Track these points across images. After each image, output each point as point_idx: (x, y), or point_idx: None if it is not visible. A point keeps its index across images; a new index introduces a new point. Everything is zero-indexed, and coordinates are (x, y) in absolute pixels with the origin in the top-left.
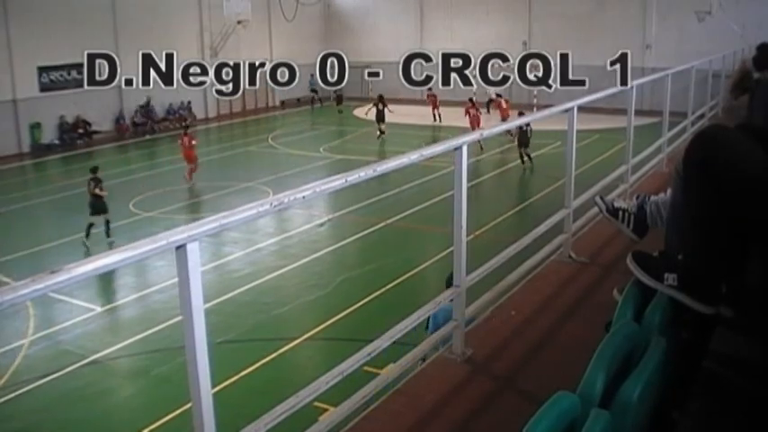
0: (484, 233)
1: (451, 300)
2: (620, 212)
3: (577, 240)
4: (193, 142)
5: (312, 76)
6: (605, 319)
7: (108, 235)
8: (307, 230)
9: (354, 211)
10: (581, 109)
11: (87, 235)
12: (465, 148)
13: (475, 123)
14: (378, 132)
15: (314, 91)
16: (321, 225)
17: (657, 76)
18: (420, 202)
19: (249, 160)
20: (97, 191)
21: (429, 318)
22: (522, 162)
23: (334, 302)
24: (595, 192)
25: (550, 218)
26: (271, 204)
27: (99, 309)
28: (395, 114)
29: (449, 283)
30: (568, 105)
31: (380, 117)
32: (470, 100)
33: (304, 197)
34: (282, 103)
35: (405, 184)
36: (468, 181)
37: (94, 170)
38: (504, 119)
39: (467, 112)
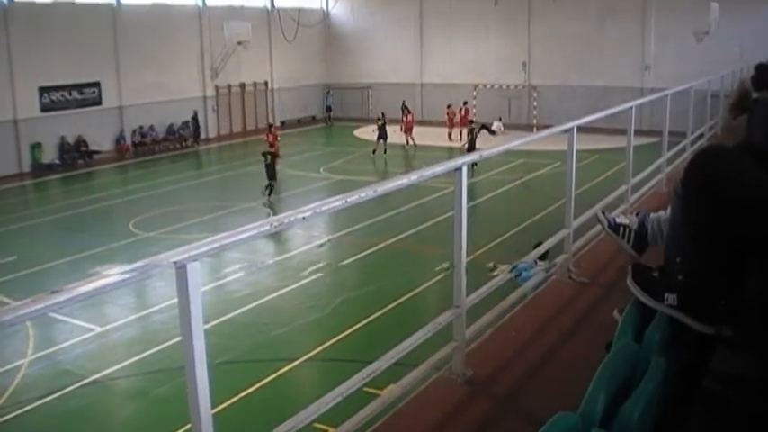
0: (484, 254)
1: (452, 320)
2: (622, 228)
3: (578, 260)
4: (279, 139)
5: (329, 93)
6: (606, 338)
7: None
8: (307, 251)
9: (354, 232)
10: (581, 129)
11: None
12: (465, 169)
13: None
14: (379, 151)
15: (329, 109)
16: (321, 246)
17: (656, 97)
18: (420, 223)
19: (249, 180)
20: None
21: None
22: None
23: (334, 323)
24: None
25: (551, 238)
26: (271, 225)
27: (99, 329)
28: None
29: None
30: (568, 126)
31: (382, 134)
32: (449, 106)
33: (304, 217)
34: (283, 123)
35: (405, 204)
36: (468, 201)
37: None
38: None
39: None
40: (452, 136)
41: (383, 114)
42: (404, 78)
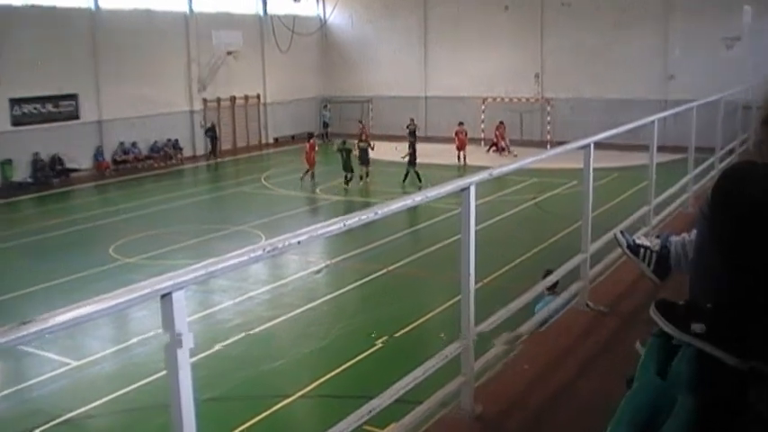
0: (493, 280)
1: (459, 352)
2: (642, 250)
3: (595, 288)
4: (315, 149)
5: (326, 107)
6: (627, 373)
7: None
8: (302, 278)
9: (353, 257)
10: (598, 145)
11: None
12: (473, 189)
13: (460, 145)
14: (354, 176)
15: (326, 125)
16: (318, 272)
17: (682, 109)
18: (425, 247)
19: (240, 202)
20: None
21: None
22: (419, 180)
23: (332, 356)
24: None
25: (566, 264)
26: (264, 250)
27: (74, 363)
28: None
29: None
30: (585, 142)
31: (364, 158)
32: (461, 123)
33: (299, 242)
34: (276, 140)
35: (409, 227)
36: (476, 224)
37: None
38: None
39: (456, 135)
40: (464, 159)
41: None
42: (407, 91)
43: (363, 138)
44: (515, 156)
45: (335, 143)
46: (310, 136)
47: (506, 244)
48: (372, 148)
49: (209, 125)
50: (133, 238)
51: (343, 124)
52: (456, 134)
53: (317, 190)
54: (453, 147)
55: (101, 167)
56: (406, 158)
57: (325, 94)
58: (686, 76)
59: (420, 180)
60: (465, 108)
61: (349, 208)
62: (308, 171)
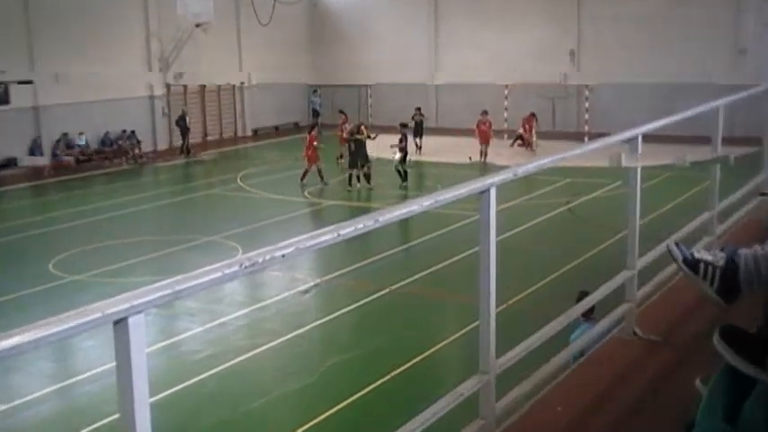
0: (519, 302)
1: (479, 387)
2: (702, 266)
3: (644, 312)
4: (315, 143)
5: (316, 92)
6: (685, 417)
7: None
8: (287, 299)
9: (350, 274)
10: (648, 138)
11: None
12: (494, 192)
13: (483, 139)
14: (354, 178)
15: (316, 114)
16: (306, 292)
17: (755, 92)
18: (436, 262)
19: (212, 207)
20: None
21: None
22: (367, 181)
23: (322, 395)
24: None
25: (608, 282)
26: (241, 265)
27: (1, 406)
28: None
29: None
30: (631, 133)
31: (360, 157)
32: (485, 112)
33: (284, 255)
34: (255, 132)
35: (416, 238)
36: (498, 233)
37: None
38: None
39: (478, 126)
40: (485, 156)
41: (359, 126)
42: (413, 76)
43: (360, 129)
44: (534, 150)
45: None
46: (312, 127)
47: (534, 258)
48: (373, 138)
49: (179, 114)
50: (79, 251)
51: (337, 114)
52: (478, 125)
53: (306, 192)
54: (473, 140)
55: (41, 165)
56: (396, 153)
57: (314, 77)
58: (760, 54)
59: (405, 179)
60: (484, 94)
61: (345, 214)
62: (306, 172)
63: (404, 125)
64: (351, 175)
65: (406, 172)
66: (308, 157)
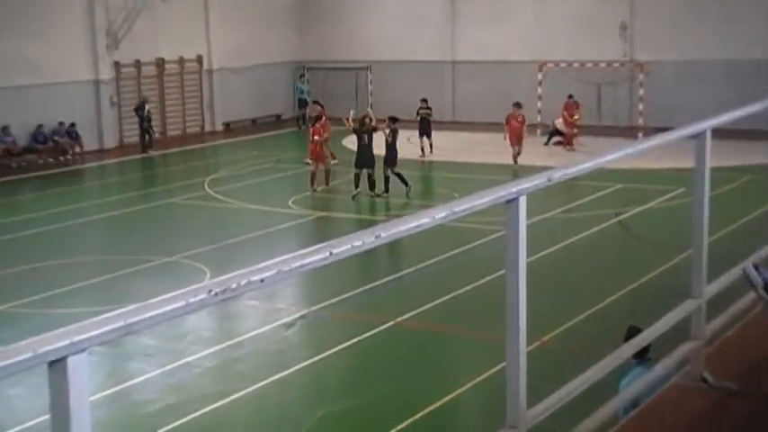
0: (555, 339)
1: None
2: None
3: (715, 352)
4: (316, 137)
5: (302, 77)
6: None
7: None
8: (266, 335)
9: (344, 303)
10: (719, 133)
11: None
12: (524, 201)
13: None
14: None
15: (303, 103)
16: (290, 326)
17: None
18: (451, 288)
19: (173, 219)
20: None
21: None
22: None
23: None
24: (743, 268)
25: (668, 314)
26: (209, 292)
27: None
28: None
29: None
30: (697, 127)
31: (369, 155)
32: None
33: (262, 280)
34: (227, 126)
35: (428, 258)
36: (530, 253)
37: None
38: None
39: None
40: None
41: (363, 118)
42: (425, 53)
43: (365, 121)
44: (575, 148)
45: (350, 118)
46: (317, 119)
47: (575, 284)
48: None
49: (137, 102)
50: (3, 275)
51: (329, 102)
52: (508, 121)
53: (290, 202)
54: (501, 138)
55: None
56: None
57: (301, 57)
58: None
59: (387, 190)
60: (512, 78)
61: (339, 229)
62: (314, 175)
63: (394, 119)
64: (358, 176)
65: (400, 175)
66: (314, 154)
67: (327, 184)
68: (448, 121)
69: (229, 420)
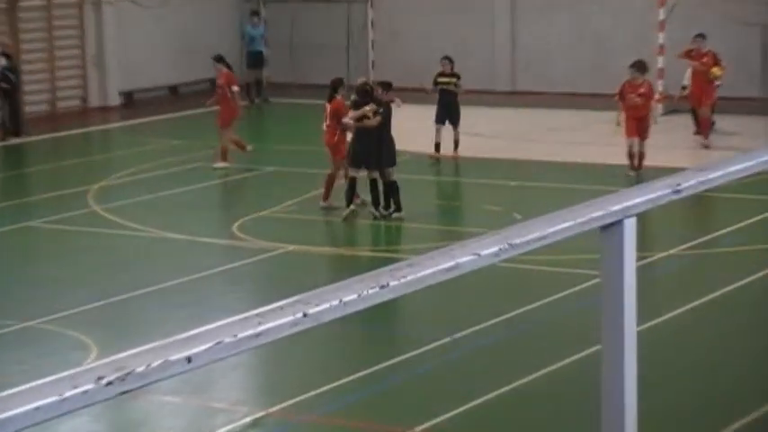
0: None
1: None
2: None
3: None
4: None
5: (256, 14)
6: None
7: None
8: None
9: (327, 402)
10: None
11: None
12: (631, 226)
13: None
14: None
15: (256, 59)
16: None
17: None
18: (508, 378)
19: (35, 256)
20: None
21: None
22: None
23: None
24: None
25: None
26: (97, 381)
27: None
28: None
29: None
30: None
31: (377, 150)
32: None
33: (189, 360)
34: (128, 97)
35: (463, 325)
36: (644, 311)
37: None
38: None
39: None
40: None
41: (363, 85)
42: None
43: (366, 89)
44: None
45: (369, 112)
46: (334, 89)
47: (720, 368)
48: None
49: None
50: None
51: (302, 62)
52: (623, 93)
53: (235, 227)
54: (597, 120)
55: None
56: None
57: None
58: None
59: (399, 208)
60: (613, 16)
61: (320, 273)
62: (331, 183)
63: (387, 85)
64: (353, 182)
65: (394, 188)
66: (331, 147)
67: (349, 204)
68: (501, 91)
69: None
